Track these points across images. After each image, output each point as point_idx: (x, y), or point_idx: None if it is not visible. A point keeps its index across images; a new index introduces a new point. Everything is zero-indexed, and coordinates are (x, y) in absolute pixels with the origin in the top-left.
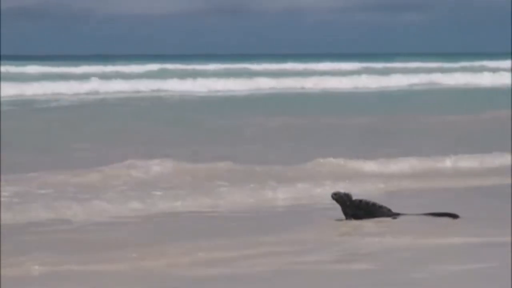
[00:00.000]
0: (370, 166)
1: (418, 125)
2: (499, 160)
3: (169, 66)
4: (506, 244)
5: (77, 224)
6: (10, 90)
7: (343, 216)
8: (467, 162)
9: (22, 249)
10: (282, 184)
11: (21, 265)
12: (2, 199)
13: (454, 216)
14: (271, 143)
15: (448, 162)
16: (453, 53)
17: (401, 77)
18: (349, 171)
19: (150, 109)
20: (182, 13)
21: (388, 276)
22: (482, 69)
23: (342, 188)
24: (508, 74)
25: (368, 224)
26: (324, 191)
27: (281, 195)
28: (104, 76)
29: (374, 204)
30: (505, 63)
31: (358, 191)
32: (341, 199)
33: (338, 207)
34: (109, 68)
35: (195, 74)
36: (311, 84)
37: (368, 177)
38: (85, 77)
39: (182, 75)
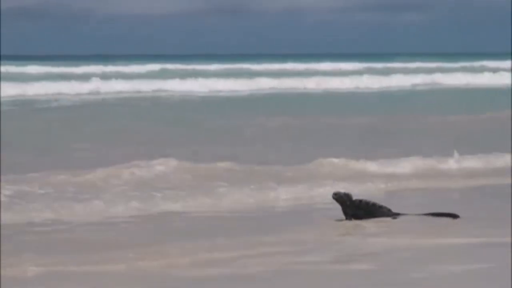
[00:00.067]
0: (371, 166)
1: (420, 125)
2: (499, 160)
3: (170, 66)
4: (506, 244)
5: (77, 224)
6: (10, 90)
7: (343, 216)
8: (468, 162)
9: (22, 249)
10: (282, 184)
11: (21, 265)
12: (2, 199)
13: (454, 216)
14: (272, 143)
15: (449, 163)
16: (453, 53)
17: (402, 77)
18: (350, 171)
19: (151, 109)
20: (182, 13)
21: (388, 276)
22: (482, 69)
23: (342, 188)
24: (508, 74)
25: (368, 224)
26: (324, 191)
27: (281, 195)
28: (104, 76)
29: (374, 204)
30: (505, 63)
31: (359, 191)
32: (341, 199)
33: (338, 207)
34: (110, 68)
35: (195, 74)
36: (312, 84)
37: (369, 177)
38: (85, 77)
39: (183, 75)
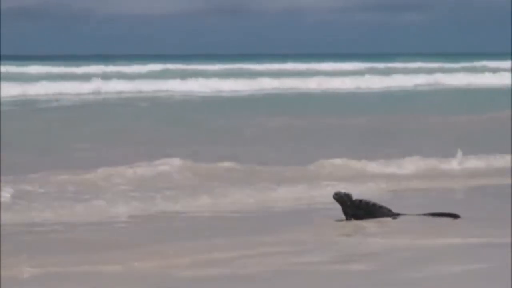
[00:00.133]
0: (371, 166)
1: (421, 126)
2: (499, 160)
3: (170, 66)
4: (506, 244)
5: (77, 224)
6: (11, 90)
7: (343, 216)
8: (469, 162)
9: (22, 249)
10: (282, 184)
11: (20, 265)
12: (2, 199)
13: (454, 216)
14: (273, 143)
15: (450, 163)
16: (453, 53)
17: (404, 78)
18: (351, 171)
19: (151, 109)
20: (182, 13)
21: (388, 276)
22: (483, 70)
23: (343, 188)
24: (508, 74)
25: (368, 224)
26: (324, 191)
27: (281, 195)
28: (105, 76)
29: (374, 204)
30: (505, 64)
31: (360, 191)
32: (342, 199)
33: (338, 207)
34: (110, 68)
35: (196, 74)
36: (314, 84)
37: (370, 178)
38: (86, 77)
39: (184, 75)
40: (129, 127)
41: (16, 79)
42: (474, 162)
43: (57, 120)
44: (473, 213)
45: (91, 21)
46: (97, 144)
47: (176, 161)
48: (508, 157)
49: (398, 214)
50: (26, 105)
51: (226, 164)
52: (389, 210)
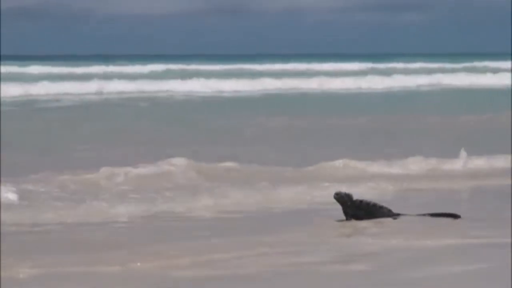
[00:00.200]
0: (372, 166)
1: (424, 126)
2: (500, 161)
3: (171, 66)
4: (506, 244)
5: (77, 224)
6: (12, 90)
7: (343, 217)
8: (470, 163)
9: (22, 249)
10: (283, 185)
11: (20, 266)
12: (2, 199)
13: (455, 216)
14: (274, 143)
15: (451, 163)
16: (454, 54)
17: (405, 78)
18: (351, 172)
19: (152, 110)
20: (182, 13)
21: (388, 276)
22: (485, 70)
23: (344, 188)
24: (509, 75)
25: (368, 225)
26: (325, 192)
27: (282, 196)
28: (106, 76)
29: (374, 205)
30: (506, 64)
31: (360, 192)
32: (342, 199)
33: (338, 207)
34: (111, 68)
35: (197, 75)
36: (315, 84)
37: (370, 178)
38: (87, 77)
39: (184, 75)
40: (129, 127)
41: (17, 79)
42: (475, 162)
43: (58, 120)
44: (474, 213)
45: (91, 21)
46: (97, 144)
47: (177, 161)
48: (507, 158)
49: (398, 215)
50: (27, 105)
51: (227, 164)
52: (390, 211)
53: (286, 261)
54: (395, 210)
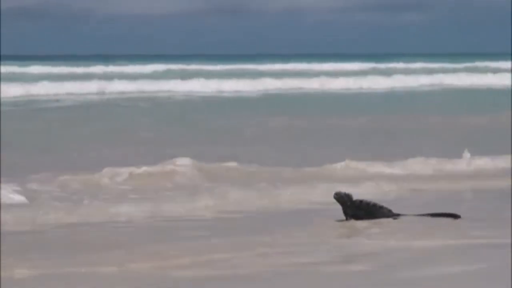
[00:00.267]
0: (372, 167)
1: (424, 126)
2: (500, 161)
3: (171, 66)
4: (506, 245)
5: (77, 224)
6: (12, 90)
7: (343, 217)
8: (470, 163)
9: (22, 250)
10: (283, 185)
11: (20, 266)
12: (2, 199)
13: (455, 216)
14: (274, 143)
15: (452, 163)
16: (454, 54)
17: (406, 78)
18: (352, 172)
19: (153, 110)
20: (182, 13)
21: (388, 276)
22: (486, 70)
23: (343, 188)
24: (509, 75)
25: (368, 225)
26: (325, 192)
27: (282, 196)
28: (106, 77)
29: (374, 205)
30: (506, 64)
31: (360, 192)
32: (342, 199)
33: (338, 207)
34: (111, 68)
35: (198, 75)
36: (315, 84)
37: (371, 178)
38: (87, 77)
39: (185, 75)
40: (130, 127)
41: (17, 79)
42: (476, 163)
43: (58, 120)
44: (474, 214)
45: (91, 21)
46: (97, 144)
47: (177, 161)
48: (508, 158)
49: (398, 215)
50: (27, 105)
51: (227, 164)
52: (390, 211)
53: (286, 261)
54: (395, 210)
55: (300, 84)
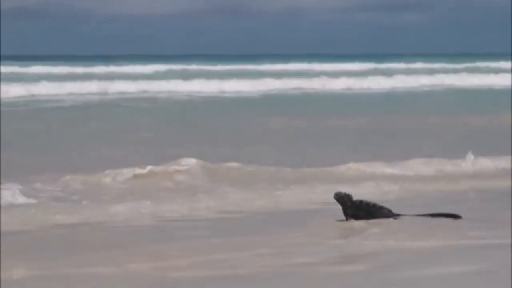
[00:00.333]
0: (373, 167)
1: (425, 126)
2: (501, 161)
3: (172, 66)
4: (506, 245)
5: (77, 225)
6: (13, 90)
7: (343, 217)
8: (471, 163)
9: (21, 250)
10: (283, 185)
11: (20, 266)
12: (2, 199)
13: (455, 216)
14: (275, 144)
15: (453, 164)
16: (455, 54)
17: (407, 78)
18: (352, 172)
19: (153, 110)
20: (182, 13)
21: (388, 276)
22: (487, 70)
23: (343, 188)
24: (509, 75)
25: (368, 225)
26: (325, 192)
27: (282, 196)
28: (107, 77)
29: (374, 205)
30: (507, 64)
31: (361, 192)
32: (342, 199)
33: (338, 207)
34: (111, 69)
35: (198, 75)
36: (316, 84)
37: (371, 178)
38: (87, 77)
39: (185, 75)
40: (131, 128)
41: (18, 80)
42: (476, 163)
43: (58, 121)
44: (474, 214)
45: (91, 21)
46: (97, 144)
47: (177, 162)
48: (508, 158)
49: (398, 215)
50: (28, 105)
51: (227, 164)
52: (390, 211)
53: (286, 261)
54: (395, 210)
55: (300, 84)
